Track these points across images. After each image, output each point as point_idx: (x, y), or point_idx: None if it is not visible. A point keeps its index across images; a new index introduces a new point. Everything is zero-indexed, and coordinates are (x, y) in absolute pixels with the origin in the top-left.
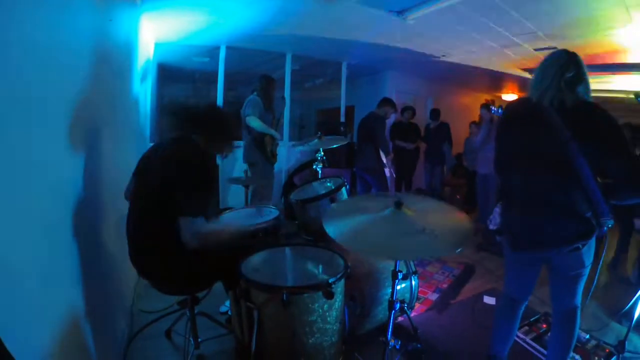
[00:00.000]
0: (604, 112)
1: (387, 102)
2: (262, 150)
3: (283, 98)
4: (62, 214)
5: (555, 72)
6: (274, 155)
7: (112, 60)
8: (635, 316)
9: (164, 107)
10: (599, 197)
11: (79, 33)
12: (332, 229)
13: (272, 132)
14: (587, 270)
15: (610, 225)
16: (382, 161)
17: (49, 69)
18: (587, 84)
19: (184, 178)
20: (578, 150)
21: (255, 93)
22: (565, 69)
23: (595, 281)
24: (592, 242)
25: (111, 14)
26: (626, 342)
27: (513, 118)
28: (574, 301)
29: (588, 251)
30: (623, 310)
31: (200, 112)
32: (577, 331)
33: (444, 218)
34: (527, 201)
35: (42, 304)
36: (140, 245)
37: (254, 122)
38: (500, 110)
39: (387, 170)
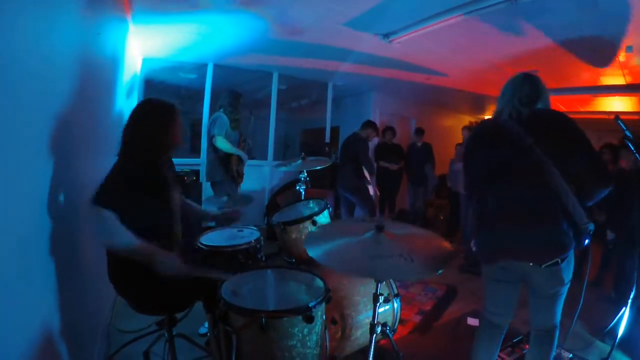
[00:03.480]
0: (559, 113)
1: (370, 124)
2: (226, 170)
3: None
4: (38, 227)
5: (512, 92)
6: (239, 175)
7: (98, 74)
8: (619, 334)
9: None
10: (573, 200)
11: (66, 44)
12: (314, 250)
13: (240, 152)
14: (566, 289)
15: (590, 231)
16: (365, 178)
17: (30, 78)
18: (545, 100)
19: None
20: (543, 153)
21: (222, 109)
22: (519, 88)
23: (580, 302)
24: (571, 257)
25: (100, 28)
26: None
27: (479, 137)
28: (553, 320)
29: (567, 267)
30: (607, 329)
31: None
32: (554, 351)
33: (422, 244)
34: (502, 213)
35: (14, 322)
36: (116, 262)
37: (222, 144)
38: None
39: (370, 188)
